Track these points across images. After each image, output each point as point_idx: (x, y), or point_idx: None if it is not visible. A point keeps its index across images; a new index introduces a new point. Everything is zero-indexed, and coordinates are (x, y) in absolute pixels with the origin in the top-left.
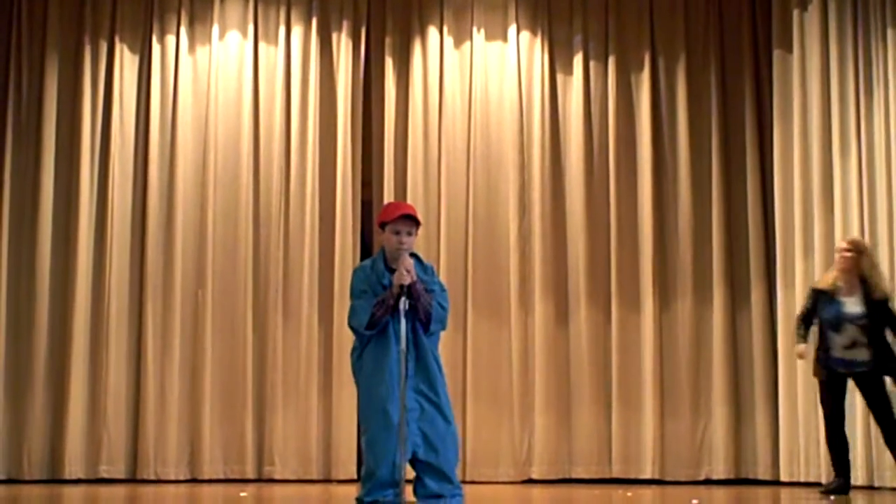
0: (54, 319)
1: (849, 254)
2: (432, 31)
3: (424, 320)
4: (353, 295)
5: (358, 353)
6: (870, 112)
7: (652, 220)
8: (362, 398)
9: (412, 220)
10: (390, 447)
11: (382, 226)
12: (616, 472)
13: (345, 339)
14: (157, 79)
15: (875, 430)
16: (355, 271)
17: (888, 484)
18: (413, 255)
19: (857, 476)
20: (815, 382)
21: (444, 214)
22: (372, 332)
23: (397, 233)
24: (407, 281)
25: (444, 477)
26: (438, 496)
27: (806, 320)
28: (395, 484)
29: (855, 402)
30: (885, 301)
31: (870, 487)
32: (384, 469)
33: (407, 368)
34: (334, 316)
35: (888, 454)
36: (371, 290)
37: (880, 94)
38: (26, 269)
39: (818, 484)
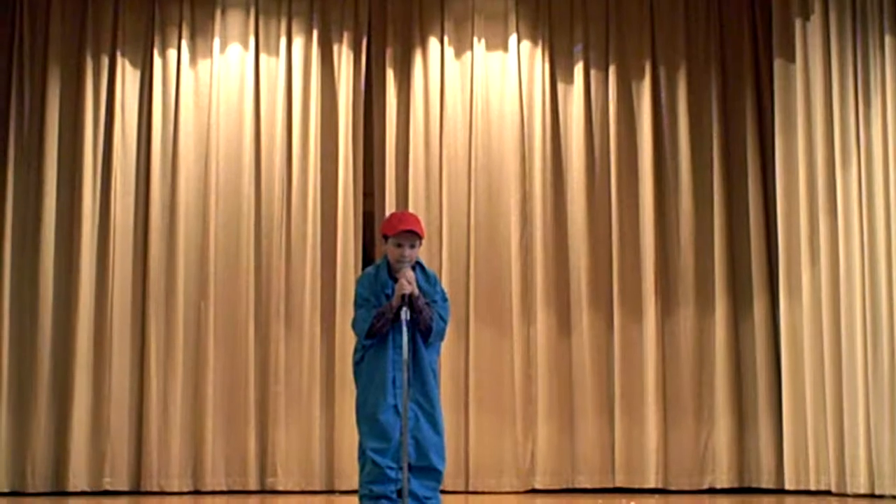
0: (57, 332)
1: None
2: (433, 42)
3: (425, 332)
4: (356, 303)
5: (359, 356)
6: (868, 120)
7: (653, 230)
8: (358, 402)
9: (414, 234)
10: (378, 452)
11: (385, 237)
12: (619, 481)
13: (347, 350)
14: (158, 92)
15: (876, 433)
16: (359, 279)
17: (888, 492)
18: (417, 262)
19: (859, 483)
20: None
21: (445, 224)
22: (372, 342)
23: (399, 245)
24: (408, 290)
25: (431, 485)
26: (423, 498)
27: None
28: (392, 481)
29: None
30: None
31: (870, 496)
32: (374, 472)
33: (408, 377)
34: (336, 326)
35: (889, 459)
36: (374, 299)
37: (878, 101)
38: (29, 282)
39: (827, 492)
